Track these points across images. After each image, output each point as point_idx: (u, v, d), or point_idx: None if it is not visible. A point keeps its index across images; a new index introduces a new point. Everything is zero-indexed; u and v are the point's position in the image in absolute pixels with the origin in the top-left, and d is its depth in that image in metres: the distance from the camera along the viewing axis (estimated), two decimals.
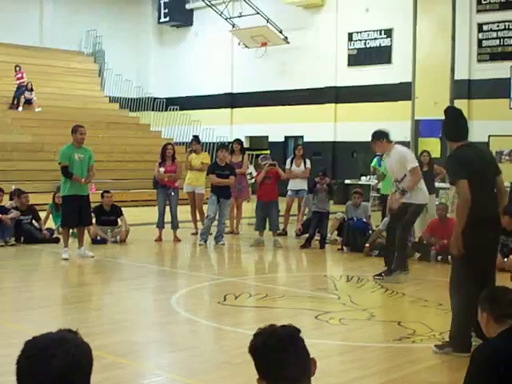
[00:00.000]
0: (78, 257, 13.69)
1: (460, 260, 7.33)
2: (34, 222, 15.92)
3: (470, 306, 7.11)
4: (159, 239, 16.21)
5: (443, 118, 7.90)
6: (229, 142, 18.85)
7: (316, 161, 29.95)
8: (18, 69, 30.03)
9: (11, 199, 16.31)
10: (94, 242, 15.58)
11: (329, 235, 15.93)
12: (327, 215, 15.79)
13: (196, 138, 18.42)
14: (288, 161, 17.79)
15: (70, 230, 15.63)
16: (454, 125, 7.72)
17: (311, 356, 3.02)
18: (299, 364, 2.97)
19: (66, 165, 13.47)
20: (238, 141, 18.25)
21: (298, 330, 3.04)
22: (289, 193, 17.49)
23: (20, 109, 29.59)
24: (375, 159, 26.98)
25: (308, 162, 17.66)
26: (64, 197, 13.78)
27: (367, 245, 14.36)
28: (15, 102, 29.66)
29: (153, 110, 35.46)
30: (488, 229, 7.33)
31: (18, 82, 29.82)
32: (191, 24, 36.22)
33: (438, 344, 7.54)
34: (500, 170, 7.80)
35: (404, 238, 11.72)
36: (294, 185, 17.38)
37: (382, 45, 28.66)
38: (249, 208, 18.18)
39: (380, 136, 11.53)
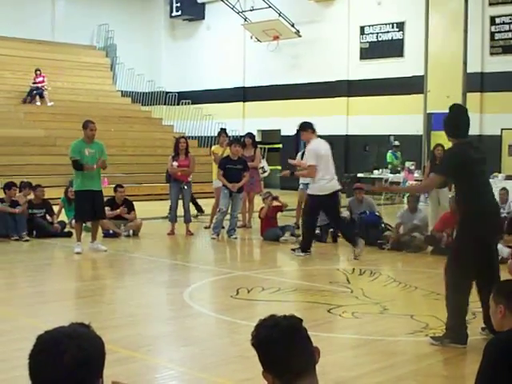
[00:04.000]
0: (90, 251, 13.73)
1: (458, 253, 7.50)
2: (47, 215, 15.97)
3: (466, 299, 7.40)
4: (172, 233, 16.23)
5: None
6: (241, 136, 18.81)
7: None
8: (38, 72, 30.01)
9: (20, 191, 16.30)
10: (106, 235, 15.60)
11: None
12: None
13: (224, 130, 18.38)
14: (299, 155, 17.75)
15: (83, 224, 15.70)
16: (454, 122, 7.77)
17: (315, 345, 3.01)
18: (304, 355, 2.95)
19: (76, 159, 13.50)
20: (250, 135, 18.23)
21: (301, 320, 3.02)
22: (300, 186, 17.49)
23: (38, 103, 29.74)
24: (389, 154, 27.04)
25: None
26: (76, 191, 13.82)
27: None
28: (30, 96, 29.76)
29: (165, 104, 35.45)
30: (488, 225, 7.47)
31: (38, 85, 29.89)
32: (203, 18, 36.17)
33: (433, 336, 7.60)
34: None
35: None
36: (303, 179, 17.38)
37: (394, 38, 28.57)
38: (261, 202, 18.16)
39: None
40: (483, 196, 7.58)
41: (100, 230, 15.44)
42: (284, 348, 2.89)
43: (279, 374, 2.90)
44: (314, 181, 13.13)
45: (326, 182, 13.10)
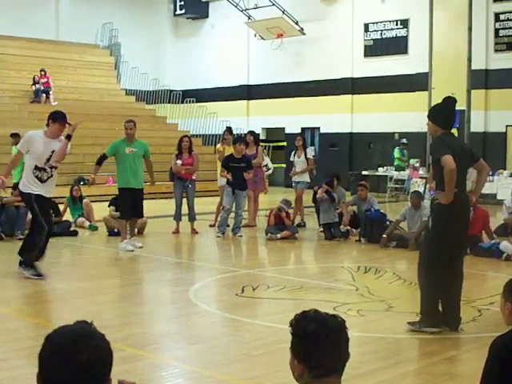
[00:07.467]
0: (92, 249, 13.70)
1: (431, 241, 7.86)
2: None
3: (437, 284, 7.79)
4: (176, 231, 16.21)
5: (459, 108, 8.16)
6: (245, 134, 18.84)
7: (333, 152, 30.01)
8: (43, 73, 30.03)
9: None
10: (111, 234, 15.58)
11: (342, 226, 15.86)
12: (337, 224, 15.69)
13: (229, 128, 18.39)
14: (292, 153, 17.81)
15: (88, 223, 15.72)
16: (449, 114, 8.14)
17: None
18: (342, 355, 2.99)
19: (104, 154, 14.04)
20: (252, 132, 18.22)
21: (345, 321, 3.06)
22: (293, 184, 17.67)
23: (53, 104, 29.80)
24: (397, 149, 27.02)
25: (310, 151, 17.71)
26: (120, 189, 13.91)
27: (384, 235, 14.32)
28: (37, 97, 29.80)
29: (169, 102, 35.48)
30: (460, 213, 7.79)
31: (43, 87, 29.89)
32: (207, 16, 36.24)
33: (410, 321, 7.92)
34: (479, 156, 8.31)
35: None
36: (296, 177, 17.50)
37: (399, 35, 28.57)
38: (265, 200, 18.16)
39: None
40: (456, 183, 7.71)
41: (105, 229, 15.49)
42: (328, 345, 2.94)
43: (312, 367, 2.95)
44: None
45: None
